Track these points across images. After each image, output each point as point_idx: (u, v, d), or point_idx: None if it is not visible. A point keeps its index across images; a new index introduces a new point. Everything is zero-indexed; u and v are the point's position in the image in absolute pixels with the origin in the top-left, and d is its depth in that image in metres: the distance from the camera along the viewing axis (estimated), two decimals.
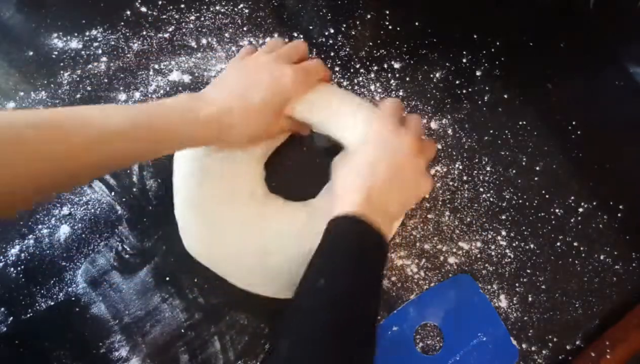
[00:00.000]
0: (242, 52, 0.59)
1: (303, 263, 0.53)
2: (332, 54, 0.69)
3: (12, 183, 0.38)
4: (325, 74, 0.58)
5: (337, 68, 0.68)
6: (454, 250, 0.63)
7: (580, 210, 0.65)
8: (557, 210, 0.65)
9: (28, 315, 0.57)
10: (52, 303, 0.58)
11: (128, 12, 0.69)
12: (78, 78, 0.66)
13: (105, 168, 0.51)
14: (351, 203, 0.48)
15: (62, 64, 0.66)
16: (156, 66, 0.67)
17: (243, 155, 0.58)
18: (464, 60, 0.70)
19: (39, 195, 0.44)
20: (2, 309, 0.57)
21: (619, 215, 0.65)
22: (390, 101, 0.55)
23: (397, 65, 0.69)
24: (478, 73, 0.70)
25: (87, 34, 0.67)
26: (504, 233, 0.64)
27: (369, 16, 0.71)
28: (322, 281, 0.43)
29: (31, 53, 0.66)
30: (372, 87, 0.68)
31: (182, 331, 0.58)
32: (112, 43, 0.67)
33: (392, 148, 0.52)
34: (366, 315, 0.44)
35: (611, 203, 0.66)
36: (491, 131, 0.68)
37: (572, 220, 0.65)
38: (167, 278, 0.59)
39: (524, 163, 0.67)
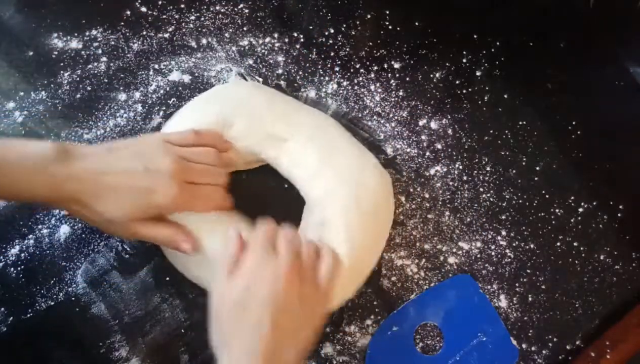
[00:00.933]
0: (176, 135, 0.54)
1: None
2: (332, 54, 0.69)
3: None
4: (222, 205, 0.53)
5: (337, 68, 0.68)
6: (454, 250, 0.63)
7: (580, 210, 0.65)
8: (557, 210, 0.65)
9: (28, 315, 0.57)
10: (52, 303, 0.58)
11: (128, 12, 0.69)
12: (78, 78, 0.65)
13: None
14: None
15: (62, 64, 0.66)
16: (156, 66, 0.67)
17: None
18: (464, 60, 0.70)
19: None
20: (2, 309, 0.57)
21: (619, 215, 0.65)
22: (262, 226, 0.49)
23: (397, 65, 0.69)
24: (478, 73, 0.70)
25: (87, 34, 0.67)
26: (504, 233, 0.64)
27: (369, 16, 0.71)
28: None
29: (31, 53, 0.66)
30: (372, 87, 0.68)
31: (182, 331, 0.58)
32: (112, 43, 0.67)
33: (270, 289, 0.44)
34: None
35: (611, 203, 0.66)
36: (491, 131, 0.68)
37: (572, 220, 0.65)
38: (167, 278, 0.59)
39: (524, 163, 0.67)
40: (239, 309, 0.44)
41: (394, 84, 0.68)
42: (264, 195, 0.62)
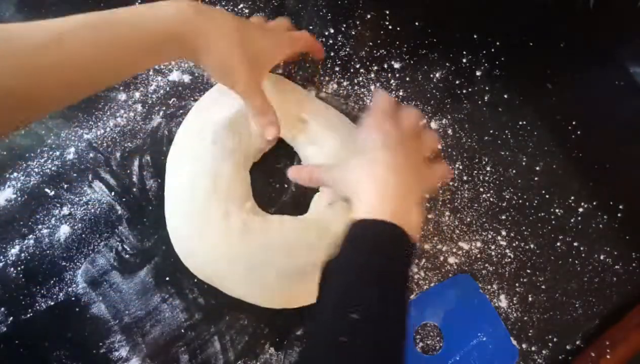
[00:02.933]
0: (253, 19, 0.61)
1: (294, 275, 0.53)
2: (332, 53, 0.69)
3: None
4: (313, 44, 0.60)
5: (337, 69, 0.68)
6: (454, 250, 0.63)
7: (580, 210, 0.65)
8: (557, 210, 0.65)
9: (28, 315, 0.57)
10: (52, 303, 0.58)
11: None
12: None
13: (68, 80, 0.42)
14: (378, 210, 0.43)
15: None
16: (156, 66, 0.67)
17: (232, 166, 0.58)
18: (464, 60, 0.70)
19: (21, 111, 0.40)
20: (2, 309, 0.57)
21: (619, 215, 0.65)
22: (380, 94, 0.53)
23: (397, 65, 0.69)
24: (478, 73, 0.70)
25: None
26: (504, 233, 0.64)
27: (369, 16, 0.71)
28: (356, 311, 0.39)
29: None
30: (372, 87, 0.68)
31: (182, 331, 0.58)
32: None
33: (397, 137, 0.48)
34: (400, 338, 0.40)
35: (611, 203, 0.66)
36: (491, 131, 0.68)
37: (572, 220, 0.65)
38: (167, 278, 0.59)
39: (524, 163, 0.67)
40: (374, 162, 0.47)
41: (394, 84, 0.68)
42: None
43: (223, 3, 0.70)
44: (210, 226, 0.55)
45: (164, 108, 0.65)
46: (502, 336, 0.59)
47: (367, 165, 0.47)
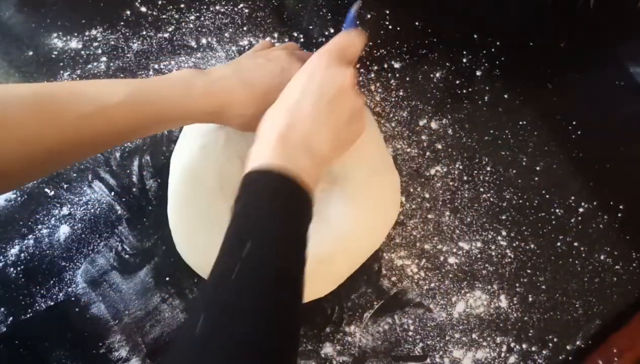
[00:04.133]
0: (257, 46, 0.59)
1: None
2: None
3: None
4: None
5: None
6: (454, 250, 0.63)
7: (580, 210, 0.65)
8: (557, 210, 0.65)
9: (28, 315, 0.57)
10: (52, 303, 0.58)
11: (128, 12, 0.69)
12: (78, 78, 0.66)
13: (103, 144, 0.48)
14: (267, 148, 0.43)
15: (62, 64, 0.66)
16: (156, 66, 0.67)
17: (239, 165, 0.58)
18: (464, 60, 0.70)
19: (35, 169, 0.43)
20: (2, 309, 0.57)
21: (619, 215, 0.65)
22: (341, 35, 0.51)
23: (397, 65, 0.69)
24: (478, 73, 0.70)
25: (87, 33, 0.67)
26: (504, 233, 0.64)
27: (369, 16, 0.71)
28: (246, 247, 0.38)
29: (31, 53, 0.66)
30: (372, 87, 0.68)
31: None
32: (112, 43, 0.67)
33: (323, 81, 0.46)
34: (293, 275, 0.40)
35: (611, 203, 0.66)
36: (491, 131, 0.68)
37: (572, 220, 0.65)
38: (167, 278, 0.59)
39: (524, 163, 0.67)
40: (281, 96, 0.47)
41: (394, 84, 0.68)
42: None
43: (223, 3, 0.70)
44: (216, 225, 0.55)
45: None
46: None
47: (281, 105, 0.47)
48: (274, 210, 0.41)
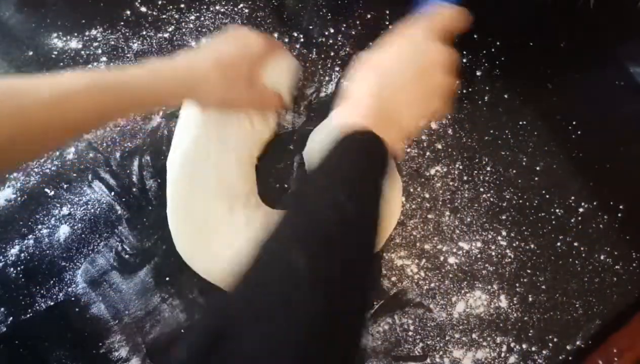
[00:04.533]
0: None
1: None
2: (332, 53, 0.69)
3: None
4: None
5: (337, 68, 0.68)
6: (454, 250, 0.63)
7: (580, 210, 0.65)
8: (557, 210, 0.65)
9: (28, 315, 0.57)
10: (52, 303, 0.58)
11: (128, 12, 0.69)
12: None
13: (73, 130, 0.48)
14: (360, 108, 0.43)
15: (62, 64, 0.66)
16: None
17: (235, 160, 0.58)
18: (464, 60, 0.70)
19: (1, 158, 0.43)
20: (2, 309, 0.57)
21: (619, 215, 0.65)
22: (445, 12, 0.50)
23: None
24: (478, 73, 0.70)
25: (87, 34, 0.67)
26: (504, 233, 0.64)
27: (369, 16, 0.71)
28: (342, 198, 0.37)
29: (31, 53, 0.66)
30: None
31: (182, 331, 0.58)
32: (112, 43, 0.67)
33: (418, 52, 0.46)
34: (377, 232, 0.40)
35: (611, 203, 0.66)
36: (491, 131, 0.68)
37: (572, 220, 0.65)
38: (167, 278, 0.59)
39: (524, 163, 0.67)
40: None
41: None
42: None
43: (223, 3, 0.70)
44: (215, 222, 0.55)
45: (163, 108, 0.65)
46: None
47: (368, 64, 0.46)
48: (371, 170, 0.41)
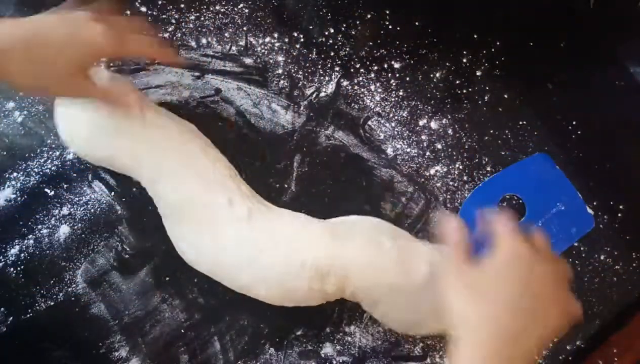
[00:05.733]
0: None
1: (288, 271, 0.53)
2: (332, 53, 0.69)
3: None
4: (141, 27, 0.54)
5: (337, 68, 0.68)
6: None
7: None
8: None
9: (28, 315, 0.57)
10: (52, 303, 0.58)
11: (128, 12, 0.69)
12: None
13: None
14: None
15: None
16: (156, 66, 0.67)
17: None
18: (464, 60, 0.70)
19: None
20: (2, 309, 0.57)
21: (619, 215, 0.65)
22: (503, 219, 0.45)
23: (397, 65, 0.69)
24: (478, 73, 0.70)
25: None
26: None
27: (369, 16, 0.71)
28: None
29: None
30: (372, 87, 0.68)
31: (182, 331, 0.58)
32: None
33: (527, 277, 0.41)
34: None
35: (611, 203, 0.66)
36: (491, 131, 0.68)
37: None
38: (167, 278, 0.59)
39: None
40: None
41: (394, 84, 0.68)
42: None
43: (223, 3, 0.70)
44: (202, 216, 0.55)
45: (163, 108, 0.65)
46: (579, 205, 0.64)
47: (479, 294, 0.41)
48: None
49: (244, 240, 0.55)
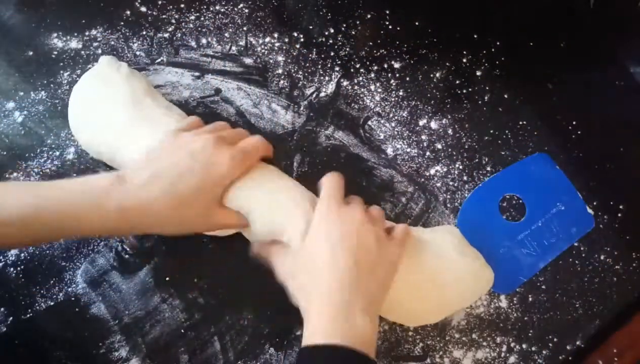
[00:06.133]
0: (184, 122, 0.55)
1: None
2: (332, 53, 0.69)
3: None
4: (267, 149, 0.55)
5: (337, 68, 0.68)
6: None
7: None
8: None
9: (28, 315, 0.57)
10: (52, 303, 0.58)
11: (128, 12, 0.69)
12: (78, 78, 0.65)
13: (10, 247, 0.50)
14: (324, 321, 0.43)
15: (61, 64, 0.66)
16: (156, 66, 0.67)
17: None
18: (464, 60, 0.70)
19: None
20: (2, 309, 0.57)
21: (619, 215, 0.65)
22: (329, 179, 0.52)
23: (397, 65, 0.69)
24: (478, 73, 0.70)
25: (87, 33, 0.67)
26: None
27: (369, 16, 0.71)
28: None
29: (31, 53, 0.66)
30: (372, 87, 0.68)
31: (182, 331, 0.58)
32: (112, 43, 0.67)
33: (343, 230, 0.47)
34: None
35: (611, 203, 0.66)
36: (491, 131, 0.68)
37: None
38: (167, 278, 0.59)
39: None
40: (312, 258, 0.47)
41: (394, 84, 0.68)
42: None
43: (223, 3, 0.70)
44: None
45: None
46: (579, 205, 0.64)
47: (315, 268, 0.46)
48: None
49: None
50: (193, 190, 0.47)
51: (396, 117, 0.67)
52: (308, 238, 0.48)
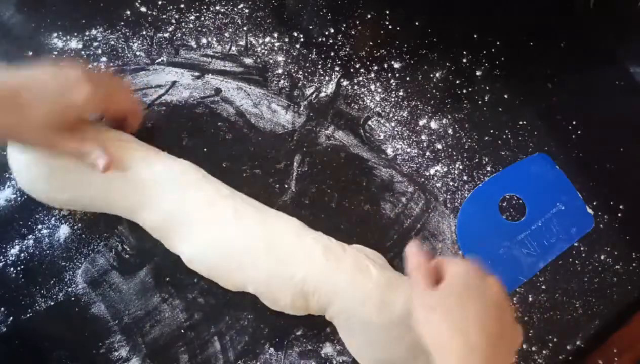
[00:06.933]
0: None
1: (276, 280, 0.53)
2: (332, 53, 0.69)
3: None
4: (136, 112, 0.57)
5: (337, 68, 0.68)
6: (454, 251, 0.63)
7: None
8: None
9: (28, 315, 0.57)
10: (52, 303, 0.58)
11: (128, 12, 0.69)
12: None
13: None
14: None
15: (61, 64, 0.66)
16: (156, 67, 0.67)
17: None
18: (464, 60, 0.70)
19: None
20: (2, 309, 0.57)
21: (619, 215, 0.65)
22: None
23: (397, 65, 0.69)
24: (478, 73, 0.70)
25: (87, 34, 0.67)
26: None
27: (369, 16, 0.71)
28: None
29: (31, 53, 0.66)
30: (372, 87, 0.68)
31: (182, 331, 0.58)
32: (112, 43, 0.67)
33: (481, 296, 0.44)
34: None
35: (611, 203, 0.66)
36: (491, 131, 0.68)
37: None
38: (167, 278, 0.59)
39: None
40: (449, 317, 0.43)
41: (394, 84, 0.68)
42: None
43: (223, 3, 0.70)
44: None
45: (163, 108, 0.65)
46: (579, 205, 0.65)
47: (460, 319, 0.43)
48: None
49: (236, 238, 0.55)
50: (44, 111, 0.48)
51: (396, 117, 0.67)
52: (446, 296, 0.44)
